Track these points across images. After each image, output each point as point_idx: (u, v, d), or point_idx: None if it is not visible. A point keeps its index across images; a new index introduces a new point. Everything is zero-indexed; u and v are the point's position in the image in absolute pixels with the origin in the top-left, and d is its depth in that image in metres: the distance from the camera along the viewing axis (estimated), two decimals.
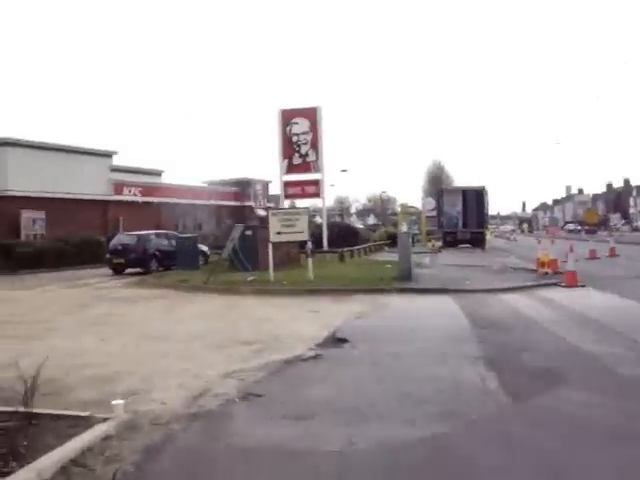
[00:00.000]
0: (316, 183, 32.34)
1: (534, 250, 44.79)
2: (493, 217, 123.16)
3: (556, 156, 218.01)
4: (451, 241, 46.38)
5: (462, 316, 12.89)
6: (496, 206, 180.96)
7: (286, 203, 35.53)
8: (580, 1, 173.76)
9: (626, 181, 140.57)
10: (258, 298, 17.54)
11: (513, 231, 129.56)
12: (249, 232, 24.21)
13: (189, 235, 29.81)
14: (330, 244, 32.80)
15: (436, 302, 15.55)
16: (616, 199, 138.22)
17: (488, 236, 50.51)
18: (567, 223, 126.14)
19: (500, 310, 13.77)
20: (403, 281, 18.90)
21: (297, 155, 32.51)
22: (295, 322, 12.91)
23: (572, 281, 17.93)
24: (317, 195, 32.82)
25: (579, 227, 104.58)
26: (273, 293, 18.26)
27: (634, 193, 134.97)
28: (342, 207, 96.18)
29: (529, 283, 18.43)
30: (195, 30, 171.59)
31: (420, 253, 39.40)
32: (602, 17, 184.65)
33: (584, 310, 13.29)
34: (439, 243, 47.16)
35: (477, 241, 45.81)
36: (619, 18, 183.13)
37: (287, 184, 32.77)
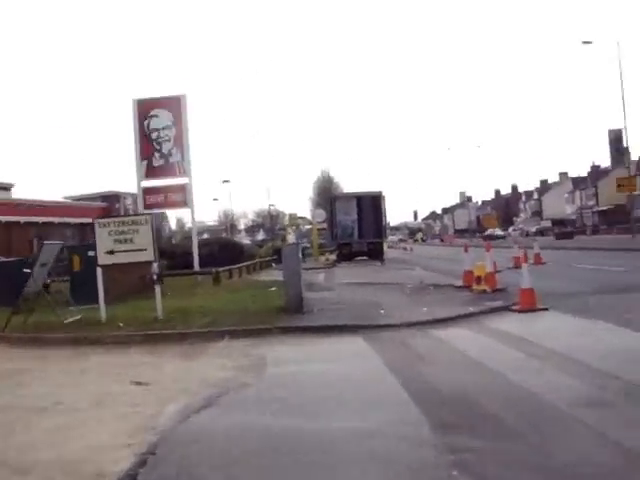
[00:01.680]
0: (182, 189, 26.14)
1: (439, 261, 42.18)
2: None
3: (447, 164, 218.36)
4: (346, 254, 41.04)
5: (398, 388, 7.06)
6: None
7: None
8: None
9: (514, 187, 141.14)
10: (73, 352, 11.50)
11: (402, 240, 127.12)
12: (90, 253, 17.91)
13: (10, 259, 22.89)
14: (211, 263, 26.95)
15: (343, 354, 9.82)
16: (505, 205, 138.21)
17: (385, 247, 45.61)
18: (460, 231, 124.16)
19: (457, 367, 8.15)
20: (291, 314, 13.24)
21: (157, 155, 26.30)
22: (92, 419, 6.81)
23: (530, 302, 12.72)
24: (184, 204, 26.53)
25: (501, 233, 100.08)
26: (97, 343, 12.13)
27: (523, 198, 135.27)
28: (228, 222, 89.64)
29: (471, 309, 13.06)
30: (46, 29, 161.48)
31: (312, 269, 34.17)
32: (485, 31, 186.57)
33: (594, 359, 7.88)
34: (333, 257, 41.91)
35: (375, 253, 40.70)
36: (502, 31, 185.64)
37: (146, 191, 26.45)
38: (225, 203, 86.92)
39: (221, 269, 25.33)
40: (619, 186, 41.51)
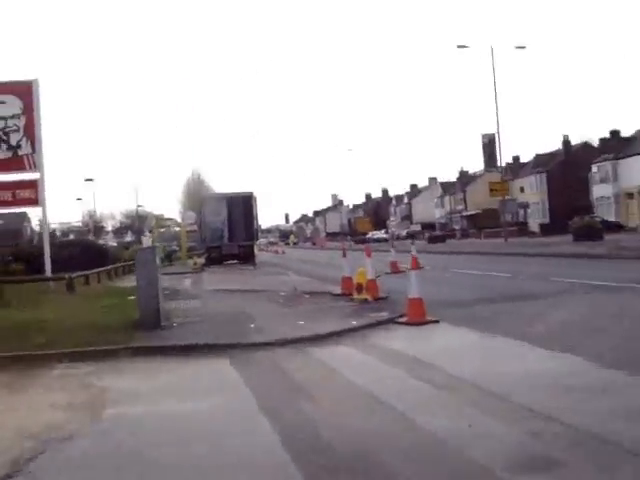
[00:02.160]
0: (33, 185, 23.30)
1: (312, 265, 40.31)
2: None
3: (319, 167, 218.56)
4: (216, 257, 38.96)
5: (275, 442, 5.16)
6: None
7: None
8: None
9: (384, 191, 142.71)
10: None
11: (273, 243, 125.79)
12: None
13: None
14: (72, 267, 24.32)
15: (205, 385, 7.91)
16: (375, 209, 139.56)
17: (255, 250, 43.91)
18: (331, 234, 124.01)
19: (347, 404, 6.42)
20: (148, 330, 11.23)
21: (4, 147, 23.35)
22: None
23: (419, 314, 11.31)
24: (35, 202, 23.69)
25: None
26: None
27: (393, 202, 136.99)
28: (92, 223, 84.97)
29: (354, 322, 11.47)
30: None
31: (179, 274, 32.15)
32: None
33: (514, 389, 6.42)
34: (202, 260, 39.78)
35: (246, 256, 38.93)
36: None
37: None
38: (90, 203, 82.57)
39: (75, 274, 22.79)
40: (492, 190, 41.68)
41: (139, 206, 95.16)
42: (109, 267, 31.05)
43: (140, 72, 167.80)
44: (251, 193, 40.46)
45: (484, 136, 41.33)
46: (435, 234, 66.44)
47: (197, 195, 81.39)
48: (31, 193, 23.34)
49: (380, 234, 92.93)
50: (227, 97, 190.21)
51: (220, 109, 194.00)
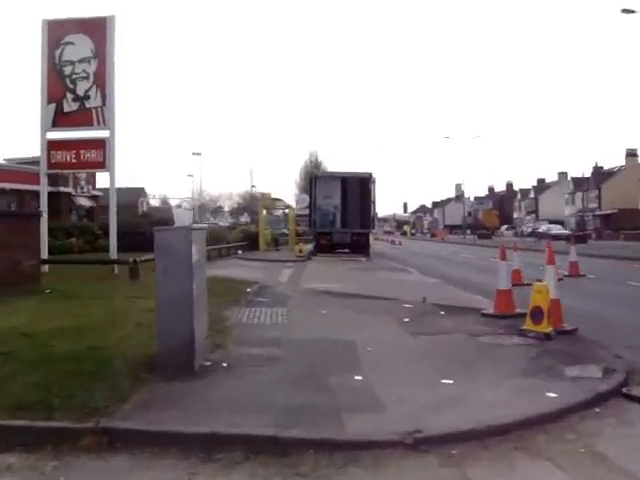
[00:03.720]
0: (101, 145, 18.91)
1: (436, 260, 33.45)
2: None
3: (441, 155, 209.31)
4: (325, 245, 33.96)
5: None
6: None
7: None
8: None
9: (509, 185, 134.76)
10: None
11: (389, 233, 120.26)
12: None
13: None
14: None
15: None
16: (498, 203, 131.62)
17: (371, 239, 38.77)
18: (450, 227, 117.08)
19: None
20: (167, 375, 6.23)
21: (71, 97, 19.12)
22: None
23: None
24: (102, 166, 19.27)
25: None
26: None
27: (518, 197, 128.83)
28: (198, 200, 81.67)
29: (551, 395, 5.88)
30: None
31: (280, 262, 27.52)
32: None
33: None
34: (309, 247, 34.98)
35: (360, 246, 33.73)
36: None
37: (53, 145, 19.20)
38: (202, 180, 79.75)
39: (143, 258, 18.24)
40: None
41: (253, 186, 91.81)
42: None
43: (256, 48, 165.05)
44: (370, 174, 35.13)
45: None
46: (577, 233, 58.60)
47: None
48: (98, 155, 18.94)
49: (557, 229, 75.38)
50: (350, 78, 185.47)
51: (343, 90, 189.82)
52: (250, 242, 39.48)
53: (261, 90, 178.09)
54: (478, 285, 17.43)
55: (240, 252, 35.43)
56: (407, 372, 6.76)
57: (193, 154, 54.62)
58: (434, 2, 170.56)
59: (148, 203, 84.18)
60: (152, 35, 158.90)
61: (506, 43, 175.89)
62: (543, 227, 79.20)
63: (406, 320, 10.31)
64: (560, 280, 17.27)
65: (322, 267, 24.92)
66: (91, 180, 48.23)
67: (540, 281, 9.39)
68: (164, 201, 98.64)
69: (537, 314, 8.56)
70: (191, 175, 61.87)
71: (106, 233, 36.16)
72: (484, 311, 11.03)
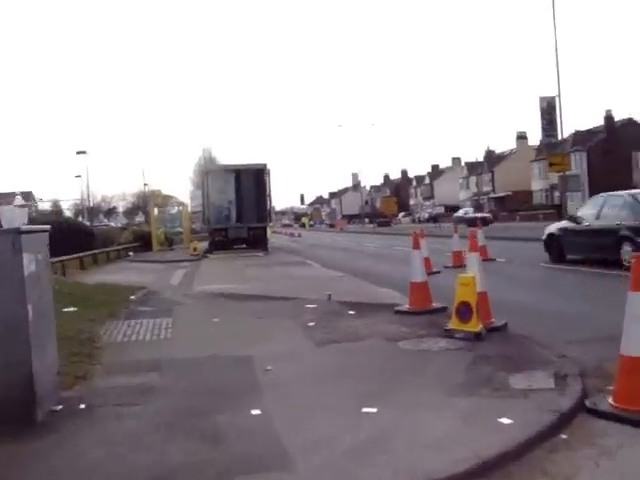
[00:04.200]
0: None
1: (336, 251, 31.91)
2: None
3: (336, 145, 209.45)
4: (221, 241, 32.25)
5: None
6: None
7: None
8: None
9: (403, 172, 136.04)
10: None
11: (287, 225, 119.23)
12: None
13: None
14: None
15: None
16: (394, 191, 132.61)
17: (269, 233, 37.34)
18: (348, 217, 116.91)
19: None
20: None
21: None
22: None
23: None
24: None
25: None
26: None
27: (414, 183, 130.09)
28: (84, 201, 77.38)
29: (505, 421, 4.46)
30: None
31: (172, 262, 25.86)
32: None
33: None
34: (203, 245, 33.27)
35: (257, 240, 32.21)
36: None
37: None
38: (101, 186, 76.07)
39: None
40: (551, 165, 34.72)
41: (145, 185, 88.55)
42: (82, 254, 24.36)
43: (145, 46, 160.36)
44: (264, 165, 33.56)
45: (542, 99, 34.21)
46: (481, 215, 58.18)
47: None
48: None
49: (472, 213, 69.85)
50: (240, 68, 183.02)
51: (234, 82, 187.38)
52: (143, 243, 37.41)
53: (147, 85, 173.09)
54: (385, 276, 16.33)
55: (131, 254, 33.40)
56: (317, 399, 5.33)
57: (77, 153, 51.31)
58: None
59: (36, 207, 79.95)
60: (26, 20, 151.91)
61: (400, 31, 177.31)
62: (461, 211, 77.45)
63: (311, 324, 8.91)
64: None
65: (217, 266, 23.37)
66: None
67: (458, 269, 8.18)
68: (55, 204, 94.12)
69: (464, 311, 7.30)
70: (79, 176, 58.29)
71: None
72: (398, 307, 9.75)
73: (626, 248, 13.66)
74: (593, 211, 15.97)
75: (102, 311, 10.72)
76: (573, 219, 16.95)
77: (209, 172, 34.54)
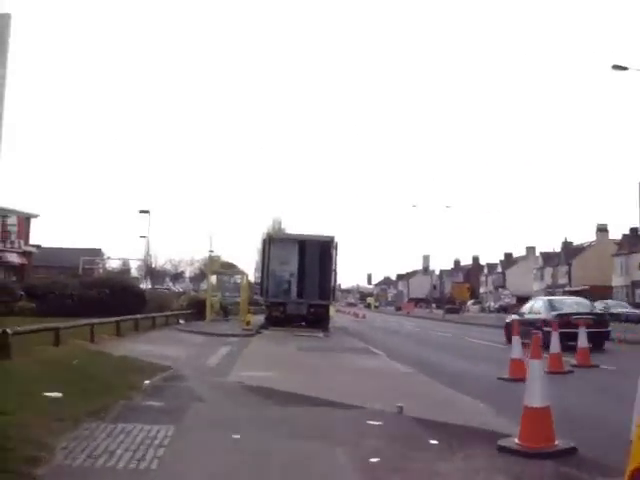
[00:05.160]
0: None
1: (404, 339, 28.70)
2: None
3: (407, 226, 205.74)
4: (278, 317, 29.47)
5: None
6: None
7: None
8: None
9: (475, 258, 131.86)
10: None
11: (352, 304, 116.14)
12: None
13: None
14: (101, 311, 15.84)
15: None
16: (465, 277, 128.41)
17: (332, 312, 34.42)
18: (415, 300, 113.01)
19: None
20: None
21: None
22: None
23: None
24: None
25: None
26: None
27: (485, 271, 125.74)
28: (146, 261, 75.68)
29: None
30: None
31: (220, 336, 23.20)
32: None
33: None
34: (259, 318, 30.56)
35: (318, 319, 29.34)
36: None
37: None
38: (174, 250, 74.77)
39: (21, 329, 13.52)
40: None
41: (211, 251, 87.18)
42: (119, 318, 21.66)
43: (213, 109, 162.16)
44: (331, 238, 30.92)
45: None
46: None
47: None
48: None
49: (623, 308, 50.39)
50: (316, 143, 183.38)
51: (309, 155, 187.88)
52: (197, 311, 34.96)
53: (221, 152, 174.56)
54: (463, 376, 13.27)
55: (182, 322, 30.87)
56: None
57: (140, 212, 49.77)
58: (401, 63, 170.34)
59: (103, 265, 79.00)
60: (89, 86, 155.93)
61: (476, 113, 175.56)
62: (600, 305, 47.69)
63: (374, 461, 5.88)
64: (569, 373, 13.12)
65: (268, 345, 20.45)
66: (24, 232, 43.40)
67: None
68: (125, 263, 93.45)
69: None
70: (144, 236, 56.78)
71: (30, 294, 31.56)
72: (503, 442, 6.61)
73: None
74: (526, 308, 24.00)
75: (93, 402, 7.93)
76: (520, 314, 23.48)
77: (272, 240, 31.94)
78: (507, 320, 24.41)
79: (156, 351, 15.87)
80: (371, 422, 7.61)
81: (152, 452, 5.87)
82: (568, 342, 15.80)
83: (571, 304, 22.78)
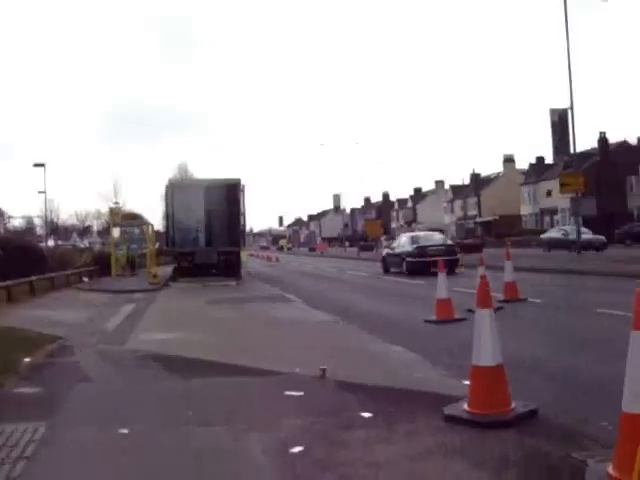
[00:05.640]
0: None
1: (320, 281, 27.59)
2: None
3: (317, 166, 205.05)
4: (187, 268, 27.90)
5: None
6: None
7: None
8: None
9: (385, 195, 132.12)
10: None
11: (265, 248, 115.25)
12: None
13: None
14: None
15: None
16: (376, 214, 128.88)
17: (244, 257, 32.97)
18: (328, 239, 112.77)
19: None
20: None
21: None
22: None
23: None
24: None
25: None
26: None
27: (396, 207, 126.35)
28: (46, 218, 71.88)
29: None
30: None
31: (129, 292, 21.72)
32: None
33: None
34: (168, 270, 28.98)
35: (229, 267, 27.84)
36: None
37: None
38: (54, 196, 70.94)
39: None
40: (563, 185, 31.01)
41: (116, 203, 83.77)
42: (10, 282, 19.69)
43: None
44: (238, 180, 29.21)
45: (553, 112, 30.41)
46: (468, 242, 54.04)
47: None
48: None
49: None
50: (221, 84, 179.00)
51: (214, 99, 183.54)
52: (102, 267, 33.00)
53: (125, 96, 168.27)
54: (393, 323, 12.24)
55: (86, 280, 28.94)
56: None
57: (35, 165, 46.65)
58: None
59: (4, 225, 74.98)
60: None
61: (382, 46, 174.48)
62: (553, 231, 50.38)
63: (295, 452, 4.65)
64: (498, 310, 12.15)
65: (176, 299, 19.09)
66: None
67: None
68: (29, 221, 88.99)
69: None
70: (42, 192, 53.25)
71: None
72: (449, 410, 5.48)
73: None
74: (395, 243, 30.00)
75: None
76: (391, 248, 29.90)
77: (174, 187, 29.96)
78: (382, 254, 31.51)
79: (51, 317, 14.51)
80: (290, 393, 6.38)
81: (4, 473, 4.43)
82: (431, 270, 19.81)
83: (428, 238, 28.70)
